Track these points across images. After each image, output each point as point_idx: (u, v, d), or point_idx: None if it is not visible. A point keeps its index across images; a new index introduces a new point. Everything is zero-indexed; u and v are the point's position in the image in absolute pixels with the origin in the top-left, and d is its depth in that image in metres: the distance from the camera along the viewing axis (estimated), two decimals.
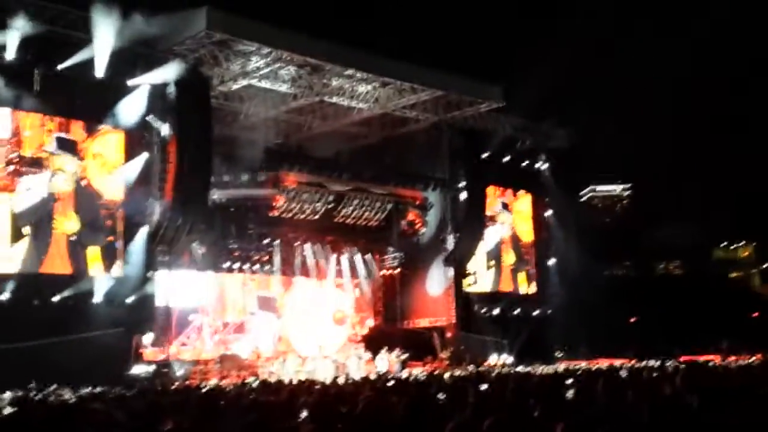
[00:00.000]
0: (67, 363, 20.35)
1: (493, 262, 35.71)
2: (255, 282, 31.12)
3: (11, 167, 23.09)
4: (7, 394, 16.09)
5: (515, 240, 37.08)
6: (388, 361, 29.52)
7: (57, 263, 23.85)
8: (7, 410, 8.36)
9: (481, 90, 31.93)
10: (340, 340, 33.02)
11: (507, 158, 36.22)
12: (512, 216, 37.02)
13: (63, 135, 24.31)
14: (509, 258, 36.61)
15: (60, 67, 23.31)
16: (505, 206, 36.62)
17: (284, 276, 31.81)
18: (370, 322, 34.58)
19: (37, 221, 23.58)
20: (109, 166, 25.17)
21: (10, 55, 22.48)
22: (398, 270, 34.95)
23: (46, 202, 23.71)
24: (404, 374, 24.17)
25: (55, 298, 23.26)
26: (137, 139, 25.58)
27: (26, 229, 23.37)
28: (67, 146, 24.32)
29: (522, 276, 36.99)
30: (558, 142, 37.45)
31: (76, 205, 24.36)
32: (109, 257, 24.86)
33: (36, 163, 23.58)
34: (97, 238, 24.75)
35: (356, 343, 32.99)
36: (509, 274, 36.47)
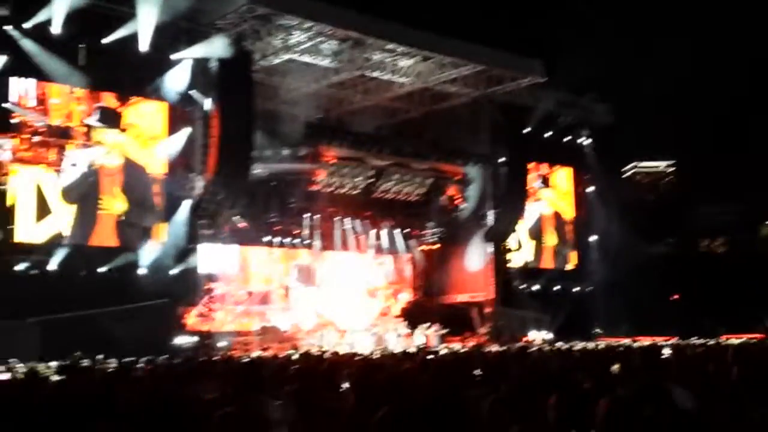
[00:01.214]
0: (111, 333, 20.78)
1: (533, 239, 35.55)
2: (281, 251, 31.25)
3: (37, 137, 23.25)
4: (54, 363, 16.48)
5: (558, 218, 36.86)
6: (426, 336, 29.65)
7: (104, 239, 24.28)
8: (54, 378, 8.59)
9: (523, 64, 31.62)
10: (373, 313, 33.25)
11: (548, 133, 35.92)
12: (553, 192, 36.76)
13: (105, 105, 24.42)
14: (551, 238, 36.41)
15: (104, 41, 23.60)
16: (545, 182, 36.35)
17: (324, 251, 32.05)
18: (404, 296, 34.71)
19: (81, 196, 23.88)
20: (143, 137, 25.28)
21: (56, 29, 22.80)
22: (437, 245, 34.96)
23: (89, 176, 23.93)
24: (443, 349, 24.27)
25: (101, 269, 23.72)
26: (180, 113, 25.85)
27: (70, 204, 23.63)
28: (110, 118, 24.50)
29: (563, 254, 36.82)
30: (600, 117, 36.99)
31: (124, 182, 24.66)
32: (148, 234, 25.19)
33: (65, 134, 23.67)
34: (146, 218, 25.09)
35: (395, 317, 33.18)
36: (551, 253, 36.30)
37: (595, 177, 38.02)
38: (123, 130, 24.73)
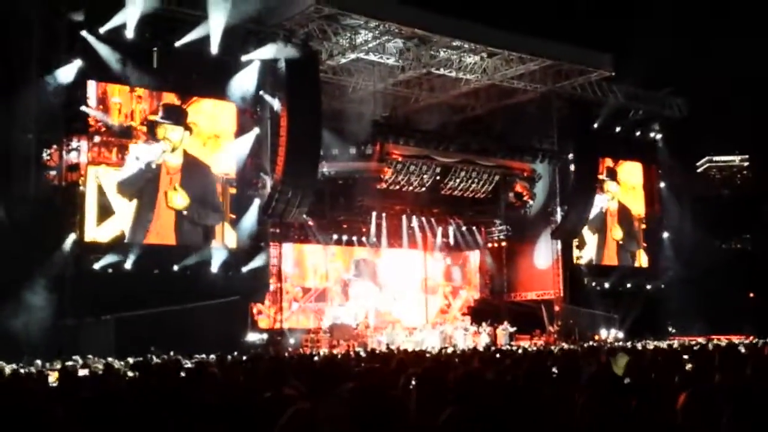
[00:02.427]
0: (185, 330, 21.28)
1: (596, 233, 34.94)
2: (342, 249, 31.43)
3: (97, 137, 23.73)
4: (130, 360, 16.93)
5: (624, 213, 36.16)
6: (495, 334, 29.47)
7: (162, 235, 24.66)
8: (130, 374, 8.82)
9: (591, 58, 31.11)
10: (433, 310, 33.18)
11: (618, 128, 35.30)
12: (618, 187, 36.09)
13: (170, 103, 24.85)
14: (616, 232, 35.74)
15: (177, 44, 24.14)
16: (612, 176, 35.68)
17: (390, 248, 32.17)
18: (464, 293, 34.54)
19: (139, 191, 24.24)
20: (203, 135, 25.65)
21: (130, 33, 23.41)
22: (505, 242, 34.70)
23: (147, 172, 24.25)
24: (513, 347, 24.09)
25: (175, 268, 24.24)
26: (249, 114, 26.27)
27: (128, 200, 24.00)
28: (175, 114, 24.90)
29: (630, 251, 36.11)
30: (673, 111, 36.14)
31: (186, 180, 25.08)
32: (212, 232, 25.59)
33: (125, 133, 24.10)
34: (207, 216, 25.50)
35: (463, 315, 33.09)
36: (615, 247, 35.63)
37: (667, 172, 37.19)
38: (188, 128, 25.17)
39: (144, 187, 24.34)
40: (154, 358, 17.81)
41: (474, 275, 35.31)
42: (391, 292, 32.36)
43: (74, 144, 23.25)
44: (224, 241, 25.55)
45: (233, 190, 26.00)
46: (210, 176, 25.63)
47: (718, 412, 3.32)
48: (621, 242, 35.88)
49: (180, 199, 24.92)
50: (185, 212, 24.96)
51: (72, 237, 22.85)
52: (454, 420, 2.78)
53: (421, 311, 32.79)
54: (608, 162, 35.41)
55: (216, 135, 25.89)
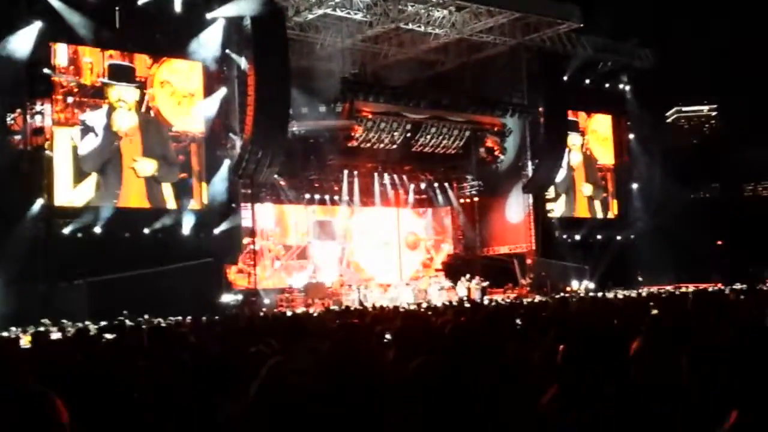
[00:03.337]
0: (158, 293, 21.19)
1: (565, 186, 35.19)
2: (318, 208, 31.45)
3: (71, 98, 23.44)
4: (102, 323, 16.86)
5: (590, 164, 36.41)
6: (468, 289, 29.73)
7: (132, 200, 24.54)
8: (107, 336, 8.80)
9: (560, 10, 30.99)
10: (415, 265, 33.40)
11: (587, 81, 35.35)
12: (585, 138, 36.28)
13: (117, 62, 24.32)
14: (584, 185, 36.06)
15: (140, 2, 23.68)
16: (576, 128, 35.80)
17: (364, 206, 32.19)
18: (447, 248, 34.78)
19: (104, 163, 24.00)
20: (178, 95, 25.43)
21: None
22: (477, 197, 34.84)
23: (110, 141, 24.03)
24: (485, 301, 24.34)
25: (146, 231, 24.11)
26: (215, 73, 25.94)
27: (93, 173, 23.75)
28: (122, 74, 24.45)
29: (599, 203, 36.48)
30: (642, 62, 36.23)
31: (144, 140, 24.70)
32: (184, 194, 25.44)
33: (98, 93, 23.81)
34: (170, 174, 25.28)
35: (436, 271, 33.31)
36: (585, 200, 35.97)
37: (636, 123, 37.41)
38: (145, 87, 24.72)
39: (108, 158, 24.06)
40: (127, 321, 17.76)
41: (448, 231, 35.47)
42: (369, 251, 32.46)
43: (38, 107, 22.85)
44: (200, 200, 25.44)
45: (202, 151, 25.78)
46: (168, 132, 25.28)
47: (672, 355, 3.38)
48: (590, 194, 36.20)
49: (147, 165, 24.69)
50: (156, 175, 24.79)
51: (40, 202, 22.59)
52: (422, 369, 2.81)
53: (395, 268, 32.97)
54: (572, 115, 35.44)
55: (191, 94, 25.59)
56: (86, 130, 23.67)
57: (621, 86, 37.13)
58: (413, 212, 34.23)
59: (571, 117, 35.06)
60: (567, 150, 34.28)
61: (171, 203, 25.18)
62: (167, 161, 25.27)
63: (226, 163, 25.91)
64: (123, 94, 24.39)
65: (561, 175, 34.22)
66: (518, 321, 7.60)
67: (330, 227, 31.97)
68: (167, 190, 25.24)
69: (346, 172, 31.32)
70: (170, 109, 25.26)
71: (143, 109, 24.77)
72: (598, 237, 34.99)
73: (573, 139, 35.40)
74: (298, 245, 30.91)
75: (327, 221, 31.94)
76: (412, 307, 20.04)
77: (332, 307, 22.87)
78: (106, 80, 24.06)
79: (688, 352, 3.29)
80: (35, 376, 4.92)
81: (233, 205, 26.21)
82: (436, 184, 34.11)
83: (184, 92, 25.53)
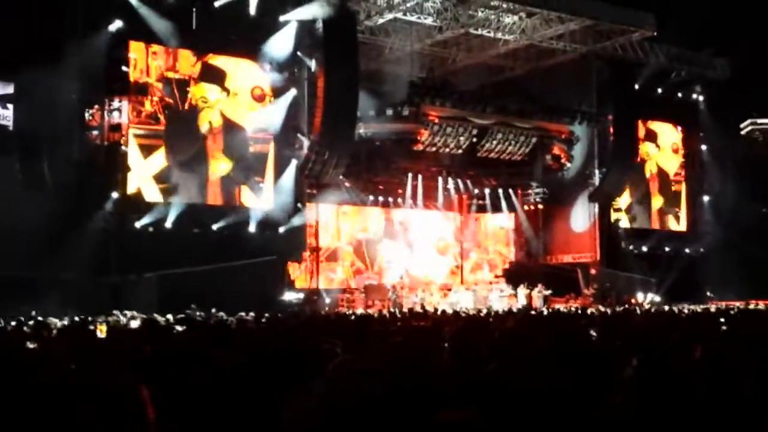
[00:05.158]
0: (222, 289, 21.62)
1: (633, 196, 34.66)
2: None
3: (146, 97, 24.16)
4: (170, 316, 17.29)
5: (663, 176, 35.80)
6: (530, 297, 29.51)
7: (206, 197, 25.28)
8: (178, 328, 9.08)
9: (633, 18, 30.55)
10: (443, 270, 33.14)
11: (659, 90, 34.73)
12: (658, 149, 35.67)
13: (211, 62, 24.99)
14: (655, 195, 35.46)
15: (216, 4, 24.23)
16: (651, 138, 35.22)
17: (426, 210, 32.26)
18: (474, 255, 34.40)
19: (184, 160, 24.74)
20: (242, 96, 25.87)
21: None
22: (541, 205, 34.53)
23: (195, 139, 24.77)
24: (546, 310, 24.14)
25: (214, 227, 24.63)
26: (286, 75, 26.34)
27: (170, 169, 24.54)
28: (214, 75, 25.03)
29: (669, 214, 35.83)
30: (716, 72, 35.43)
31: (225, 141, 25.39)
32: (254, 192, 25.96)
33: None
34: (246, 177, 25.84)
35: (496, 277, 33.14)
36: (654, 210, 35.40)
37: (709, 135, 36.60)
38: (225, 89, 25.31)
39: (192, 156, 24.78)
40: (196, 314, 18.17)
41: (507, 237, 35.26)
42: (423, 253, 32.55)
43: (116, 104, 23.57)
44: (268, 199, 25.92)
45: (272, 151, 26.23)
46: (246, 137, 25.87)
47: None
48: (660, 205, 35.57)
49: (223, 165, 25.29)
50: (231, 174, 25.38)
51: (114, 196, 23.28)
52: (496, 375, 2.88)
53: (431, 270, 32.96)
54: (648, 124, 34.93)
55: (254, 95, 26.05)
56: (169, 127, 24.30)
57: (694, 96, 36.38)
58: (473, 216, 34.22)
59: (642, 126, 34.55)
60: (639, 160, 33.80)
61: (241, 201, 25.69)
62: (243, 165, 25.78)
63: (293, 163, 26.28)
64: (207, 93, 24.98)
65: (631, 184, 33.73)
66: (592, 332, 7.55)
67: (393, 228, 32.14)
68: (239, 189, 25.77)
69: (410, 175, 31.44)
70: (235, 110, 25.74)
71: (220, 111, 25.34)
72: (666, 249, 34.33)
73: (649, 148, 34.88)
74: (359, 246, 31.13)
75: (390, 222, 32.14)
76: (472, 312, 20.02)
77: (392, 309, 23.02)
78: (196, 77, 24.76)
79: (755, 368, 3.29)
80: (113, 365, 5.14)
81: (298, 204, 26.57)
82: (500, 190, 33.96)
83: (248, 93, 25.99)
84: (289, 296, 25.65)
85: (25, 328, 10.29)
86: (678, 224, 36.17)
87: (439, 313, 17.88)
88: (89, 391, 2.41)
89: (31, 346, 6.47)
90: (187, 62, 24.98)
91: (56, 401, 2.36)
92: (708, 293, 33.84)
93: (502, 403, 2.75)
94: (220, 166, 25.35)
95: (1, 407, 2.59)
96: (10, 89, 22.91)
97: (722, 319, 10.91)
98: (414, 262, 32.41)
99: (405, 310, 21.51)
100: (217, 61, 25.58)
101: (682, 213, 36.35)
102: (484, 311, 21.35)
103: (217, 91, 25.22)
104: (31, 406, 2.46)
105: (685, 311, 18.71)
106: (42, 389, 2.58)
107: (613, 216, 33.69)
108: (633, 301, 30.36)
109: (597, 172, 32.97)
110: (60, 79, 21.93)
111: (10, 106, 22.89)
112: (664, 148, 36.08)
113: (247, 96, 25.98)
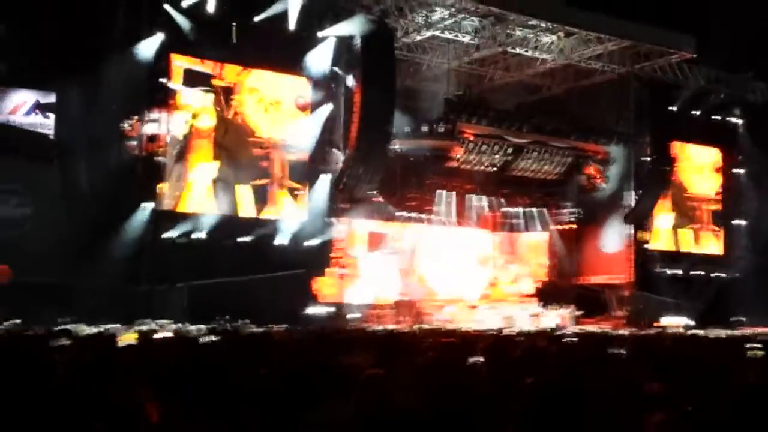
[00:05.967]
0: (251, 300, 21.69)
1: (668, 218, 34.29)
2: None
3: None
4: (201, 326, 17.42)
5: (699, 200, 35.39)
6: (560, 316, 29.25)
7: (239, 209, 25.30)
8: (210, 338, 9.17)
9: (673, 40, 30.33)
10: (482, 282, 32.79)
11: (697, 112, 34.39)
12: (693, 172, 35.31)
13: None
14: (692, 222, 35.12)
15: (256, 19, 24.51)
16: (688, 161, 34.91)
17: (459, 226, 32.10)
18: (515, 269, 33.95)
19: (231, 171, 25.08)
20: (265, 102, 26.05)
21: (210, 7, 23.85)
22: (574, 225, 34.26)
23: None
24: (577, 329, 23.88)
25: (245, 239, 24.76)
26: (323, 89, 26.53)
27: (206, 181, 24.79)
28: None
29: (704, 238, 35.32)
30: (755, 95, 35.02)
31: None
32: (262, 199, 25.89)
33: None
34: (243, 176, 25.66)
35: (526, 296, 32.82)
36: (690, 235, 34.96)
37: (746, 158, 36.14)
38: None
39: (234, 165, 25.22)
40: (226, 326, 18.29)
41: (540, 256, 34.92)
42: (456, 268, 32.25)
43: (155, 116, 23.89)
44: (295, 213, 25.98)
45: (304, 164, 26.34)
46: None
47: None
48: (695, 228, 35.14)
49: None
50: (266, 186, 25.62)
51: (150, 206, 23.55)
52: (532, 390, 2.88)
53: (478, 289, 32.55)
54: (686, 146, 34.57)
55: (298, 104, 26.23)
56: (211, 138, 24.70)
57: (732, 119, 35.98)
58: (504, 235, 33.89)
59: (679, 148, 34.24)
60: (676, 182, 33.48)
61: (272, 214, 25.80)
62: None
63: (327, 178, 26.38)
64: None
65: (665, 207, 33.38)
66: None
67: (425, 244, 31.90)
68: (272, 201, 25.87)
69: (444, 192, 31.36)
70: (257, 115, 25.92)
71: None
72: (700, 273, 33.88)
73: (683, 171, 34.54)
74: (389, 261, 30.92)
75: (423, 238, 31.91)
76: (513, 330, 19.83)
77: (420, 325, 22.93)
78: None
79: None
80: (142, 373, 5.21)
81: (332, 219, 26.63)
82: (534, 209, 33.77)
83: (271, 100, 26.19)
84: (318, 310, 25.66)
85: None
86: (713, 248, 35.67)
87: (468, 330, 17.77)
88: (93, 404, 2.43)
89: (49, 354, 6.51)
90: (232, 72, 25.34)
91: (59, 411, 2.37)
92: (742, 318, 33.28)
93: (540, 417, 2.75)
94: (255, 177, 25.47)
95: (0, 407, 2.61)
96: (51, 98, 23.37)
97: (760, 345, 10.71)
98: (445, 279, 32.15)
99: (434, 326, 21.43)
100: (259, 73, 25.84)
101: (718, 237, 35.85)
102: (515, 330, 21.18)
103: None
104: (31, 413, 2.47)
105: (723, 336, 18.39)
106: (45, 398, 2.60)
107: (647, 237, 33.32)
108: (664, 324, 29.96)
109: (633, 193, 32.66)
110: (100, 90, 22.31)
111: (51, 115, 23.33)
112: (701, 170, 35.68)
113: (290, 106, 26.25)
